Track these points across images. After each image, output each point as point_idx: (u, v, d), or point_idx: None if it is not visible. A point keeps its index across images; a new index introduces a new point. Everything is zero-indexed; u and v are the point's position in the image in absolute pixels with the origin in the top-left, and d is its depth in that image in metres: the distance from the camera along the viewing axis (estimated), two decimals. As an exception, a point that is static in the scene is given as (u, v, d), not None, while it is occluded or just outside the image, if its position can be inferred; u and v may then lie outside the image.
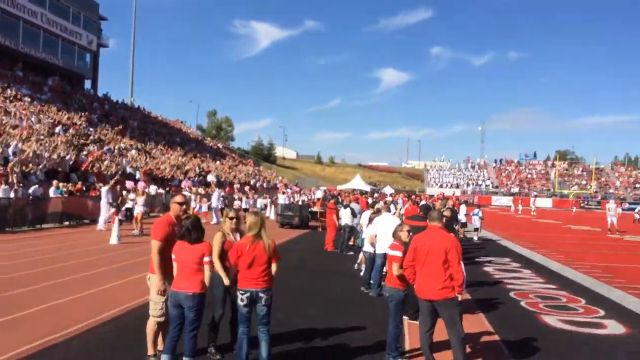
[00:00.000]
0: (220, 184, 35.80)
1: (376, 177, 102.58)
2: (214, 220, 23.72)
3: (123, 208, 20.64)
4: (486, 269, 13.50)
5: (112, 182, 19.97)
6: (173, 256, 5.23)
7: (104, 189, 19.32)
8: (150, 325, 5.59)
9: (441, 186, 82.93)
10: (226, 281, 5.65)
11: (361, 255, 12.08)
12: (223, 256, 5.68)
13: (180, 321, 5.11)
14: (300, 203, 31.42)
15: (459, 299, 5.50)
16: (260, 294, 5.20)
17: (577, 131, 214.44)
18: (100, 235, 17.15)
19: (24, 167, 21.21)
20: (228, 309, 5.97)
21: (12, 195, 18.08)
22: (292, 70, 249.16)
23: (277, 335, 6.26)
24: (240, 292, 5.24)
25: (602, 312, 8.96)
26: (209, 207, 26.10)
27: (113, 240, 15.30)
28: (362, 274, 11.26)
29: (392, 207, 18.64)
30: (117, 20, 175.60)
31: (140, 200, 18.89)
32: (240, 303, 5.26)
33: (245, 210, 27.48)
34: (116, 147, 34.24)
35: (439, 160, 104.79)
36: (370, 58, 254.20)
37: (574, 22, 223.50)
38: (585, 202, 71.98)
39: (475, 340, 6.89)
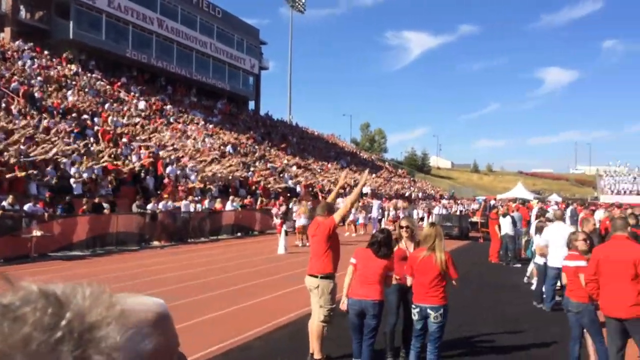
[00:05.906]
0: (376, 196, 36.16)
1: (540, 185, 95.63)
2: (374, 231, 23.91)
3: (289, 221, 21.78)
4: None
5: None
6: (353, 260, 5.34)
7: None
8: (320, 330, 5.72)
9: (618, 193, 74.79)
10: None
11: (531, 267, 11.31)
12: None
13: (362, 328, 5.19)
14: (458, 213, 30.50)
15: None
16: (429, 311, 5.00)
17: None
18: (267, 245, 18.26)
19: (202, 184, 23.44)
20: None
21: (191, 209, 20.09)
22: (445, 77, 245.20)
23: (447, 356, 6.05)
24: (413, 306, 5.18)
25: None
26: (369, 219, 26.47)
27: (280, 250, 16.20)
28: (533, 287, 10.55)
29: (566, 215, 17.23)
30: (275, 43, 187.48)
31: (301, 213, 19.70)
32: (413, 318, 5.21)
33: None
34: (279, 164, 36.37)
35: (614, 165, 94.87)
36: (531, 58, 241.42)
37: None
38: None
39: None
